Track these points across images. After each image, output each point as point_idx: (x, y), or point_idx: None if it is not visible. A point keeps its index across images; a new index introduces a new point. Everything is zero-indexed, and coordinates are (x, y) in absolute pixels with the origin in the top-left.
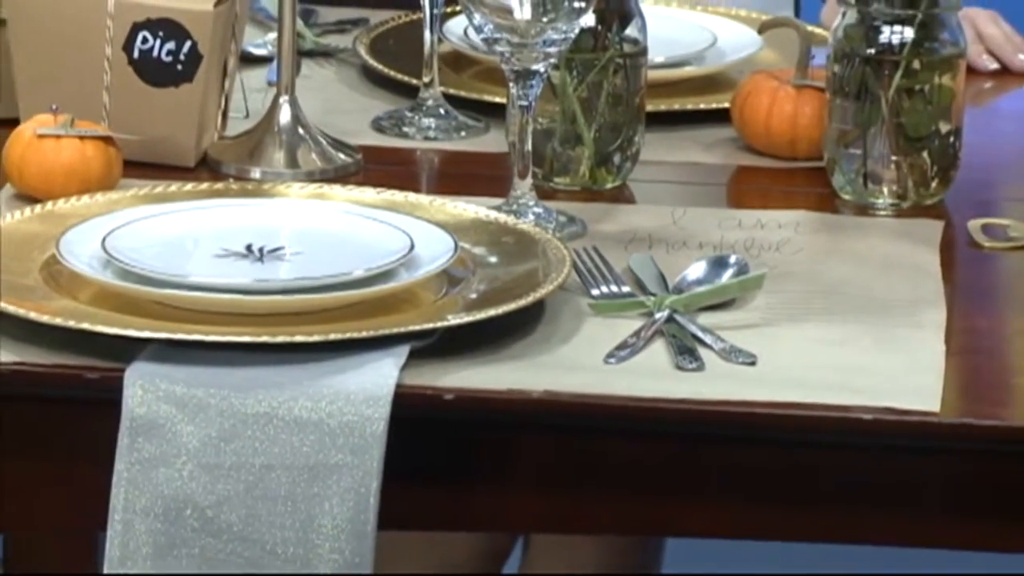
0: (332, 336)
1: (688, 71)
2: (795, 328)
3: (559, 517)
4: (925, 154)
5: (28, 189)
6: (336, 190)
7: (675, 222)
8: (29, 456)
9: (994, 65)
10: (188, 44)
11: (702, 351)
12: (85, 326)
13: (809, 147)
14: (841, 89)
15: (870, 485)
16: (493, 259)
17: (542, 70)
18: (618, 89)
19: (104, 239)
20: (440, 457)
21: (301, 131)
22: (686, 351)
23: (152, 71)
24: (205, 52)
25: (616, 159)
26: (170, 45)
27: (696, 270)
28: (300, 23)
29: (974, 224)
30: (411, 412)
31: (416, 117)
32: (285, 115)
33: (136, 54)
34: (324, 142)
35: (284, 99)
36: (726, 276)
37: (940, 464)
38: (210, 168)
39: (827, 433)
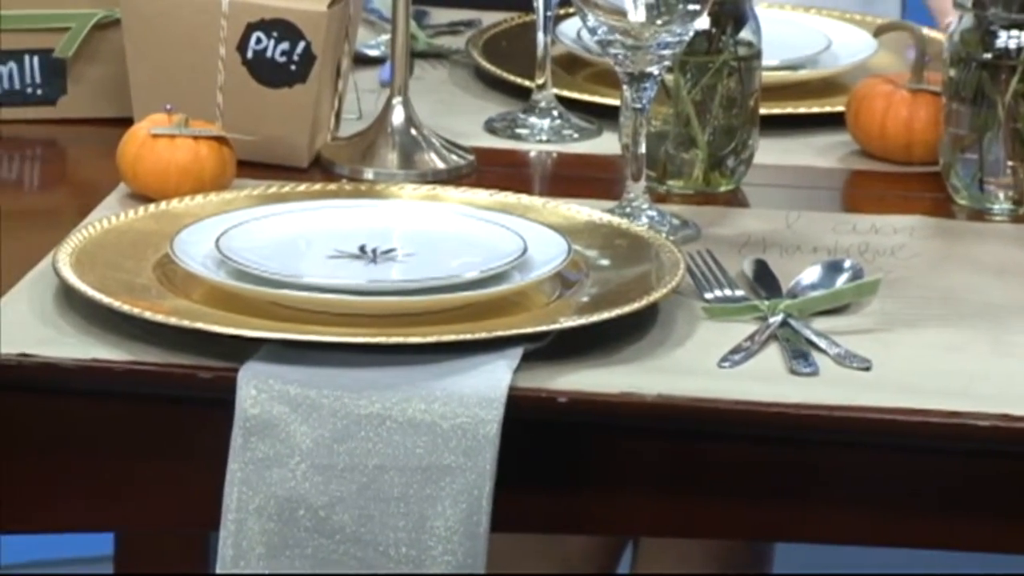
0: (445, 338)
1: (803, 74)
2: (910, 333)
3: (671, 521)
4: None
5: (142, 188)
6: (449, 191)
7: (789, 226)
8: (142, 455)
9: None
10: (302, 45)
11: (816, 356)
12: (199, 326)
13: (924, 151)
14: (957, 94)
15: (988, 492)
16: (606, 262)
17: (656, 73)
18: (732, 92)
19: (218, 239)
20: (552, 460)
21: (414, 132)
22: (800, 355)
23: (266, 71)
24: (319, 53)
25: (730, 162)
26: (284, 46)
27: (811, 274)
28: (413, 24)
29: None
30: (524, 414)
31: (529, 119)
32: (398, 116)
33: (250, 54)
34: (437, 143)
35: (397, 100)
36: (841, 281)
37: None
38: (323, 169)
39: (943, 440)
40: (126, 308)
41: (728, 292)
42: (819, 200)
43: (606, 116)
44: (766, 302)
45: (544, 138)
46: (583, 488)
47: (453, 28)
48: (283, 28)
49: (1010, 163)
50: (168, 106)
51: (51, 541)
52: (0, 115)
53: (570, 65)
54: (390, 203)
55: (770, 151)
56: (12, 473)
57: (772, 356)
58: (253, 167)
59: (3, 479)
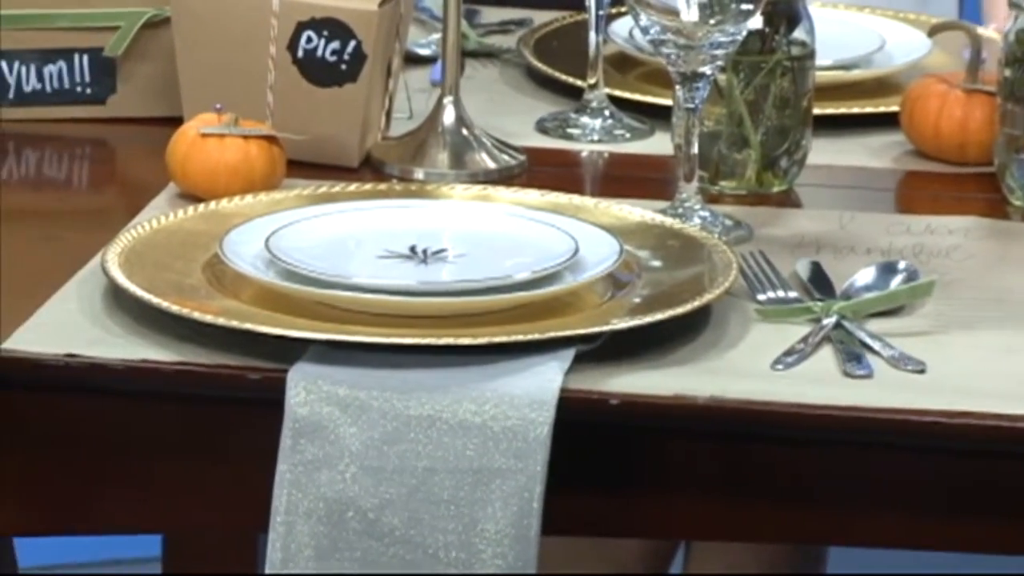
0: (496, 339)
1: (856, 74)
2: (966, 335)
3: (723, 525)
4: None
5: (191, 188)
6: (500, 192)
7: (843, 227)
8: (190, 456)
9: None
10: (352, 44)
11: (871, 358)
12: (248, 326)
13: (979, 152)
14: (1012, 94)
15: None
16: (658, 263)
17: (709, 72)
18: (785, 92)
19: (267, 239)
20: (603, 462)
21: (465, 132)
22: (854, 358)
23: (316, 70)
24: (369, 52)
25: (783, 163)
26: (334, 45)
27: (865, 276)
28: (464, 23)
29: None
30: (575, 417)
31: (581, 119)
32: (449, 116)
33: (300, 53)
34: (488, 143)
35: (448, 99)
36: (895, 282)
37: None
38: (373, 168)
39: (999, 443)
40: (175, 308)
41: (781, 293)
42: (873, 201)
43: (658, 116)
44: (820, 304)
45: (596, 138)
46: (634, 491)
47: (504, 27)
48: (334, 27)
49: None
50: (218, 105)
51: (99, 542)
52: (50, 114)
53: (622, 64)
54: (441, 203)
55: (823, 151)
56: (60, 474)
57: (826, 358)
58: (303, 167)
59: (51, 480)
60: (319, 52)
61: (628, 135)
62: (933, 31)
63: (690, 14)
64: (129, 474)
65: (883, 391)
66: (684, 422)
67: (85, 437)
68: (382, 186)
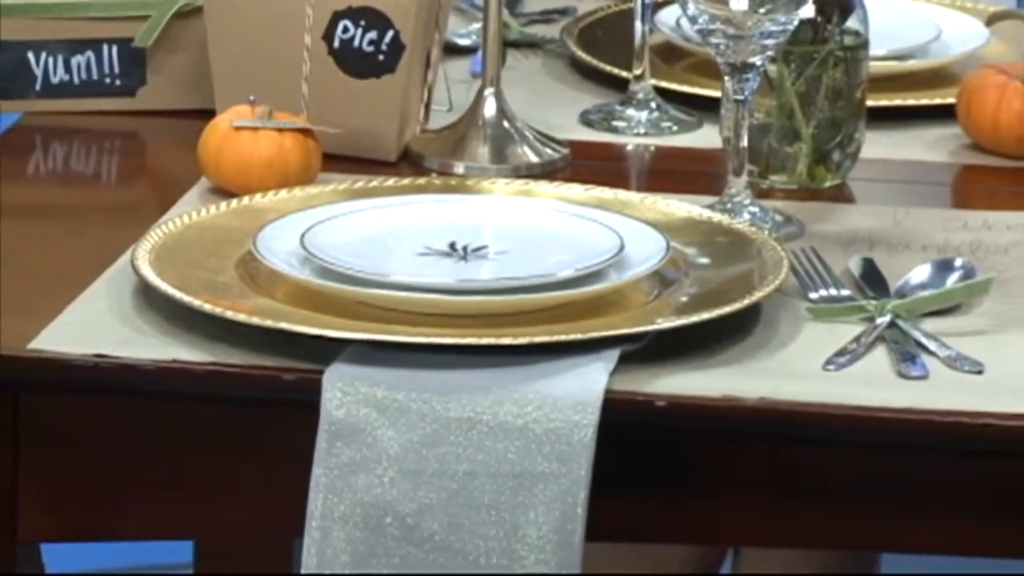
0: (539, 339)
1: (911, 65)
2: None
3: (774, 531)
4: None
5: (224, 183)
6: (543, 187)
7: (897, 223)
8: (223, 460)
9: None
10: (390, 34)
11: (926, 358)
12: (283, 326)
13: None
14: None
15: None
16: (706, 260)
17: (759, 63)
18: (838, 83)
19: (303, 235)
20: (649, 466)
21: (507, 125)
22: (909, 358)
23: (353, 61)
24: (408, 42)
25: (835, 156)
26: (372, 35)
27: (920, 273)
28: (505, 12)
29: None
30: (620, 419)
31: (626, 111)
32: (490, 108)
33: (336, 44)
34: (530, 136)
35: (489, 91)
36: (951, 280)
37: None
38: (412, 162)
39: None
40: (207, 307)
41: (834, 292)
42: (928, 196)
43: (706, 108)
44: (873, 302)
45: (641, 131)
46: (681, 496)
47: (547, 16)
48: (371, 16)
49: None
50: (251, 97)
51: (128, 549)
52: (78, 106)
53: (669, 55)
54: (481, 198)
55: (877, 144)
56: (88, 479)
57: (879, 359)
58: (339, 161)
59: (78, 485)
60: (356, 42)
61: (675, 128)
62: (991, 20)
63: (739, 2)
64: (160, 478)
65: (939, 393)
66: (733, 424)
67: (114, 440)
68: (421, 181)
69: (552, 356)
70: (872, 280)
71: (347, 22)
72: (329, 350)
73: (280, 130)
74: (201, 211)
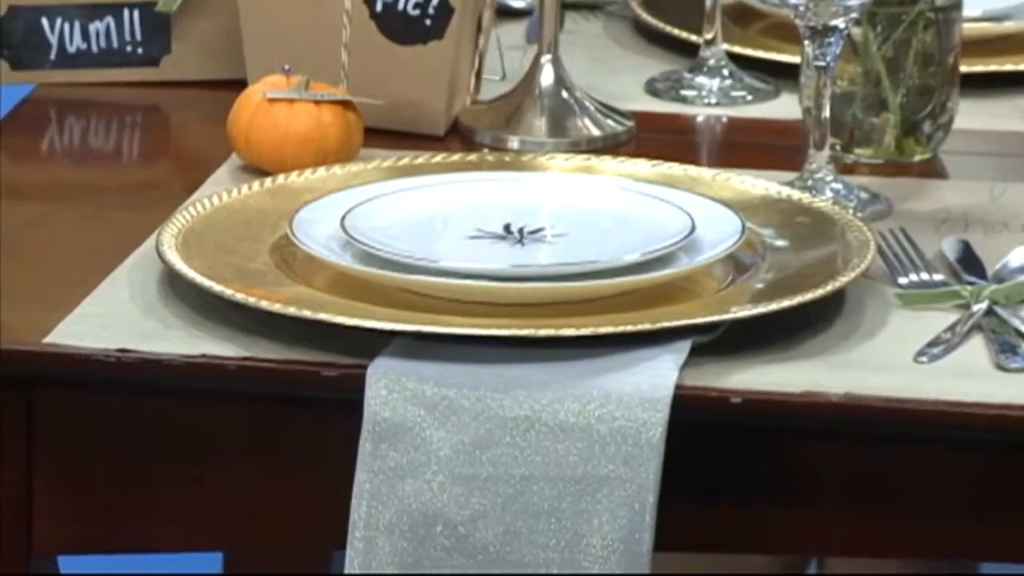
0: (602, 329)
1: (1009, 27)
2: None
3: (860, 539)
4: None
5: (256, 160)
6: (605, 162)
7: (994, 200)
8: (257, 464)
9: None
10: None
11: None
12: (322, 316)
13: None
14: None
15: None
16: (785, 242)
17: (842, 26)
18: (929, 47)
19: (343, 218)
20: (724, 469)
21: (565, 95)
22: (1009, 348)
23: (397, 26)
24: (457, 5)
25: (926, 127)
26: None
27: (1020, 256)
28: None
29: None
30: (692, 417)
31: (696, 79)
32: (547, 76)
33: (379, 7)
34: (591, 107)
35: (546, 58)
36: None
37: None
38: (462, 137)
39: None
40: (239, 297)
41: (925, 276)
42: None
43: (784, 75)
44: (969, 287)
45: (713, 100)
46: (758, 501)
47: None
48: None
49: None
50: (286, 66)
51: (152, 560)
52: (96, 77)
53: (742, 17)
54: (538, 176)
55: (972, 114)
56: (109, 485)
57: (976, 349)
58: (382, 135)
59: (99, 492)
60: (400, 5)
61: (750, 97)
62: None
63: None
64: (187, 485)
65: None
66: (815, 422)
67: (137, 443)
68: (472, 157)
69: (617, 348)
70: (967, 263)
71: None
72: (373, 343)
73: (318, 102)
74: (232, 191)
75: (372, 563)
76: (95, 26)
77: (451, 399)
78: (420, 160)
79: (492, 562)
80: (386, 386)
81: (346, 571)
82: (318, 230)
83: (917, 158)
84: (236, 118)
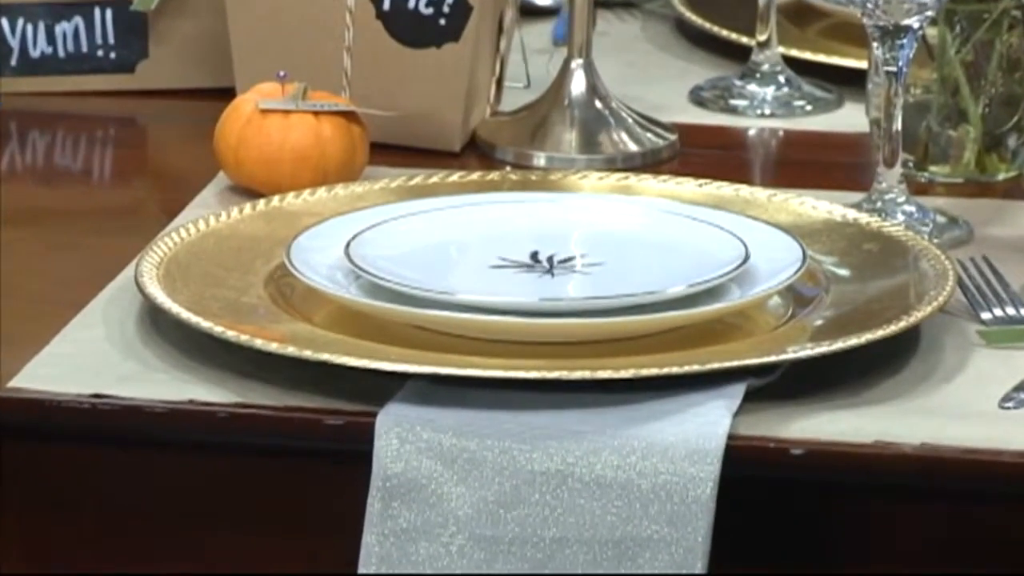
0: (645, 372)
1: None
2: None
3: None
4: None
5: (247, 179)
6: (645, 182)
7: None
8: (251, 525)
9: None
10: None
11: None
12: (325, 357)
13: None
14: None
15: None
16: (850, 272)
17: (916, 26)
18: (1015, 51)
19: (347, 245)
20: (783, 529)
21: (599, 105)
22: None
23: (407, 27)
24: (476, 2)
25: (1011, 142)
26: None
27: None
28: None
29: None
30: (746, 471)
31: (748, 86)
32: (578, 84)
33: (387, 5)
34: (629, 119)
35: (577, 63)
36: None
37: None
38: (481, 153)
39: None
40: (230, 335)
41: (1011, 311)
42: None
43: (849, 82)
44: None
45: (767, 111)
46: (823, 565)
47: None
48: None
49: None
50: (281, 73)
51: None
52: (63, 85)
53: (801, 16)
54: (568, 197)
55: None
56: (84, 547)
57: None
58: (391, 151)
59: (73, 555)
60: (411, 3)
61: (809, 107)
62: None
63: None
64: (173, 548)
65: None
66: (887, 476)
67: (116, 500)
68: (492, 175)
69: (661, 393)
70: None
71: None
72: (383, 387)
73: (317, 113)
74: (220, 215)
75: None
76: (62, 27)
77: (472, 451)
78: (434, 179)
79: None
80: (398, 436)
81: None
82: (319, 259)
83: (1001, 177)
84: (224, 132)
